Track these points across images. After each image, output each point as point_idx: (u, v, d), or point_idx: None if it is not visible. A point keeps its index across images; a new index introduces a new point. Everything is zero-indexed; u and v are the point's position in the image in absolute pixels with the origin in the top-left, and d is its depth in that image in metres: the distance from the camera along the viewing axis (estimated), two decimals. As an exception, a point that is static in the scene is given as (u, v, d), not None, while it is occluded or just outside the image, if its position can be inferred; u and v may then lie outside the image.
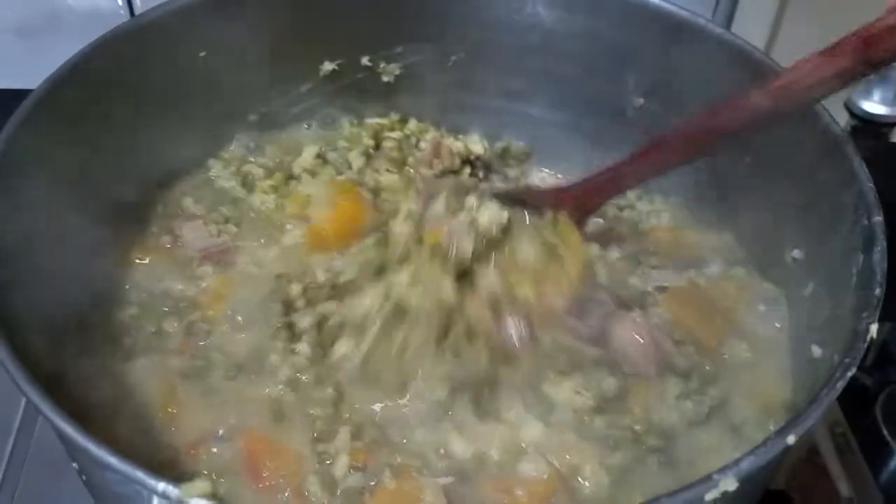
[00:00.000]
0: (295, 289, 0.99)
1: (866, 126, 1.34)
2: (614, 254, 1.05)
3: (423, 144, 1.18)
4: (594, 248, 1.04)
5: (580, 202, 0.97)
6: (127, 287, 1.01)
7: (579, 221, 0.96)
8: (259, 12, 1.07)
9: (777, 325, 0.98)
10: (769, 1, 1.43)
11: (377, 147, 1.18)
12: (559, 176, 1.22)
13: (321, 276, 1.00)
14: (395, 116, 1.21)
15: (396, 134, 1.19)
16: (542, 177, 1.23)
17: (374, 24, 1.14)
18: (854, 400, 1.11)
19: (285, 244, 1.06)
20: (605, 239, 1.07)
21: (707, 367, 0.93)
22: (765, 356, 0.96)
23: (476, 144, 1.18)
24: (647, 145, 0.93)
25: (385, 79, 1.19)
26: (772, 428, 0.86)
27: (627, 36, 1.09)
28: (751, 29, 1.40)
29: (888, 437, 1.11)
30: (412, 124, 1.21)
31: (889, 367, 1.21)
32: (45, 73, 0.91)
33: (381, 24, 1.14)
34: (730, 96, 0.85)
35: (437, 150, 1.15)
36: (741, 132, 0.86)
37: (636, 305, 0.97)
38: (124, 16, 1.37)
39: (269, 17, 1.08)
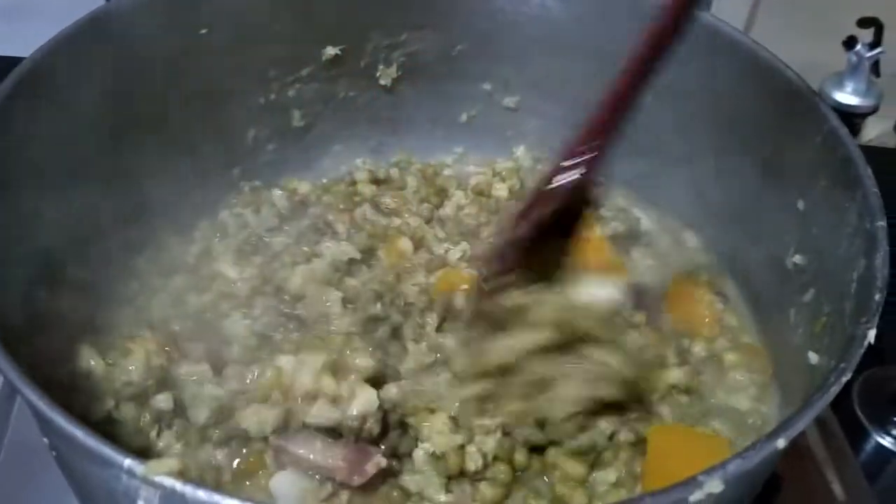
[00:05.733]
0: None
1: (839, 117, 1.32)
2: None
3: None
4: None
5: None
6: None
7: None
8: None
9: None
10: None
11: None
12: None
13: None
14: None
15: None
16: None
17: (379, 10, 1.12)
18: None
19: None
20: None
21: None
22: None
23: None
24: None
25: (382, 82, 1.18)
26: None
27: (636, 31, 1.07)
28: (730, 10, 1.37)
29: (864, 421, 1.13)
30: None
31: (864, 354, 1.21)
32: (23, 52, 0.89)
33: (385, 11, 1.13)
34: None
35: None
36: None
37: None
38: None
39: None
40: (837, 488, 1.03)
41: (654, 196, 1.15)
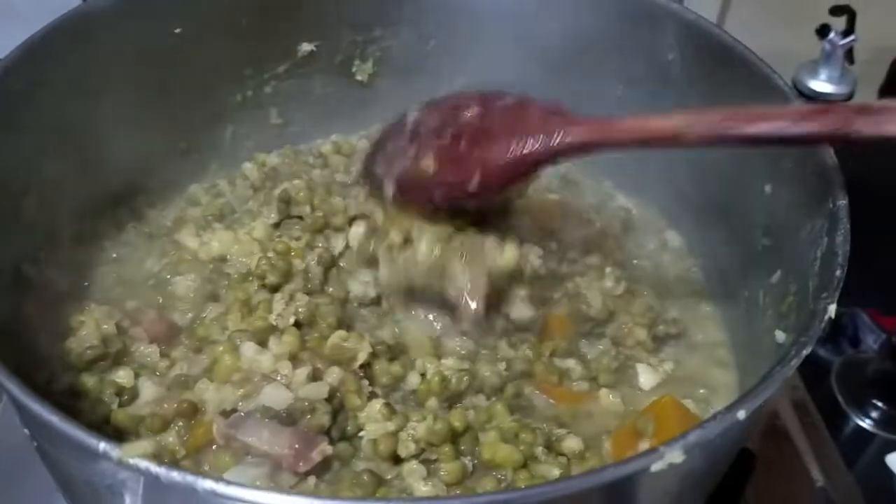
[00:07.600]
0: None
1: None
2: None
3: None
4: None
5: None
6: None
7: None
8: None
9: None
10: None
11: None
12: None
13: None
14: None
15: None
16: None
17: (351, 5, 1.14)
18: (810, 371, 1.15)
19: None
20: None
21: None
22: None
23: None
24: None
25: (359, 77, 1.19)
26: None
27: (614, 24, 1.08)
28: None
29: (843, 404, 1.17)
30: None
31: (841, 340, 1.28)
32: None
33: (358, 6, 1.14)
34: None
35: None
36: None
37: None
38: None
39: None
40: (815, 471, 1.05)
41: (635, 185, 1.17)
